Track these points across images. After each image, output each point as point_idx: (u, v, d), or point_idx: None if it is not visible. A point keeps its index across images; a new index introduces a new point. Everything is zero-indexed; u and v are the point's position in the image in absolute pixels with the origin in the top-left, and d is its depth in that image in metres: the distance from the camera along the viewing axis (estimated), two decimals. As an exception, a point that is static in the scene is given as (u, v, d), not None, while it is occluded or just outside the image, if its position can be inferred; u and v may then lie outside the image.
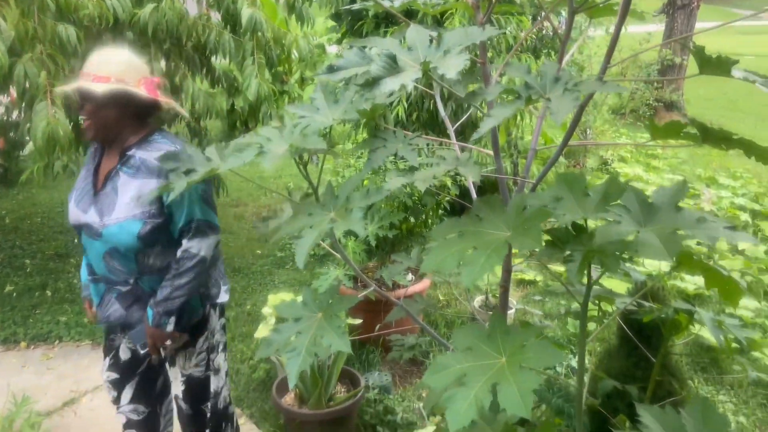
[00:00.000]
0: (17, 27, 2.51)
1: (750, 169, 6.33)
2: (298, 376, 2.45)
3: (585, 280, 1.42)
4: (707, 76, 1.24)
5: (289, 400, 2.45)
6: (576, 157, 6.90)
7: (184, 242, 1.76)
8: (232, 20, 3.15)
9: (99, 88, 1.65)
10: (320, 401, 2.32)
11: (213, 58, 3.36)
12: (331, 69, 1.47)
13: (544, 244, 1.45)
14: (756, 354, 2.74)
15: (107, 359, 1.96)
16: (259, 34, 3.13)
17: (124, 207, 1.71)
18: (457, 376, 1.28)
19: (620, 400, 2.00)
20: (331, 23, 4.60)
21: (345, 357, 2.46)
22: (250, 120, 4.72)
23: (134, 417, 1.99)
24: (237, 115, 4.87)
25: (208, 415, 2.00)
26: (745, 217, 4.66)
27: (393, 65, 1.42)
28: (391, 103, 4.14)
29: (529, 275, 3.80)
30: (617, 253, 1.36)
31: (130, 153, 1.73)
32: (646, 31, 8.60)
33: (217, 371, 2.00)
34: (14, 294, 3.84)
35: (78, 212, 1.77)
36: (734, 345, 2.79)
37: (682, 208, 1.28)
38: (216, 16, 3.28)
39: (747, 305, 3.26)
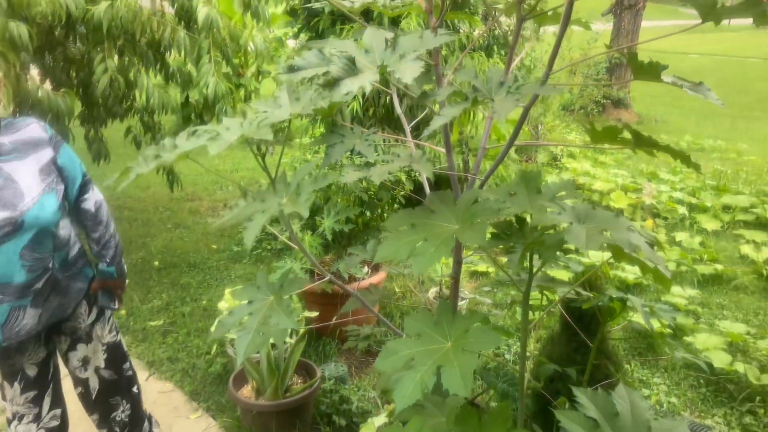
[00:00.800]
0: None
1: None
2: (255, 369, 2.50)
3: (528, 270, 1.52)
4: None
5: (245, 392, 2.49)
6: (528, 152, 7.11)
7: (88, 195, 1.90)
8: (186, 16, 3.14)
9: None
10: (277, 392, 2.37)
11: (167, 54, 3.34)
12: (292, 69, 1.54)
13: (490, 236, 1.56)
14: (688, 339, 2.94)
15: (16, 384, 1.88)
16: (215, 32, 3.13)
17: (32, 187, 1.68)
18: (406, 360, 1.37)
19: (561, 384, 2.12)
20: (287, 18, 4.60)
21: (301, 349, 2.51)
22: (205, 113, 4.70)
23: (55, 423, 1.97)
24: (192, 108, 4.83)
25: (130, 373, 2.11)
26: (682, 210, 4.92)
27: (351, 67, 1.49)
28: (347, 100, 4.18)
29: (482, 267, 3.93)
30: (555, 245, 1.48)
31: None
32: (594, 30, 8.90)
33: (119, 330, 2.10)
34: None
35: None
36: (667, 330, 2.98)
37: (620, 218, 1.40)
38: (171, 11, 3.26)
39: (681, 293, 3.47)
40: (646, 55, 1.44)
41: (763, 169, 6.39)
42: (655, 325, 2.73)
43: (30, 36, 2.60)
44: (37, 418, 1.92)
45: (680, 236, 4.48)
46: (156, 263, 4.20)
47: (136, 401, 2.14)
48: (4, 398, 1.92)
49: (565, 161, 6.67)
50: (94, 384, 2.03)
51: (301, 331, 2.61)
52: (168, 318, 3.42)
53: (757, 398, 2.58)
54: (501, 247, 1.57)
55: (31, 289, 1.72)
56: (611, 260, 3.90)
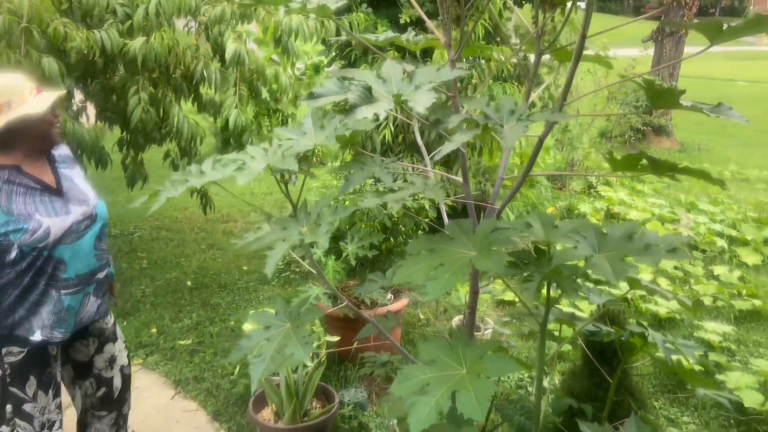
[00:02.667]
0: (1, 58, 2.61)
1: (732, 195, 6.46)
2: (275, 391, 2.53)
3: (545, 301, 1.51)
4: (698, 100, 1.35)
5: (265, 415, 2.51)
6: (562, 180, 7.03)
7: None
8: (220, 51, 3.28)
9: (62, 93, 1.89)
10: (295, 416, 2.39)
11: (201, 86, 3.49)
12: (312, 96, 1.61)
13: (507, 265, 1.57)
14: (720, 377, 2.83)
15: (50, 392, 1.93)
16: (242, 67, 3.26)
17: (88, 189, 1.96)
18: (421, 385, 1.38)
19: (581, 419, 2.07)
20: (322, 47, 4.73)
21: (321, 373, 2.53)
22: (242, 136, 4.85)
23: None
24: (229, 134, 4.99)
25: None
26: (721, 242, 4.78)
27: (368, 95, 1.55)
28: (379, 126, 4.26)
29: (509, 296, 3.89)
30: (573, 276, 1.47)
31: (52, 152, 1.94)
32: (632, 57, 8.81)
33: None
34: None
35: (62, 219, 1.82)
36: (697, 367, 2.88)
37: (633, 238, 1.40)
38: (207, 45, 3.41)
39: (716, 329, 3.35)
40: (690, 83, 1.44)
41: (810, 202, 6.15)
42: (684, 362, 2.65)
43: (60, 71, 2.73)
44: (61, 424, 2.00)
45: (718, 270, 4.34)
46: (189, 283, 4.30)
47: None
48: (21, 415, 1.90)
49: (601, 189, 6.57)
50: (118, 383, 2.14)
51: (321, 355, 2.63)
52: (196, 337, 3.49)
53: (793, 442, 2.47)
54: (517, 276, 1.57)
55: (95, 277, 1.93)
56: (645, 294, 3.81)
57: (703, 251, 4.75)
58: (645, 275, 4.16)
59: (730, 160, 8.51)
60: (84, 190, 1.94)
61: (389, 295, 3.11)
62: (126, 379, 2.18)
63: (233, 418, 2.73)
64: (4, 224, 1.72)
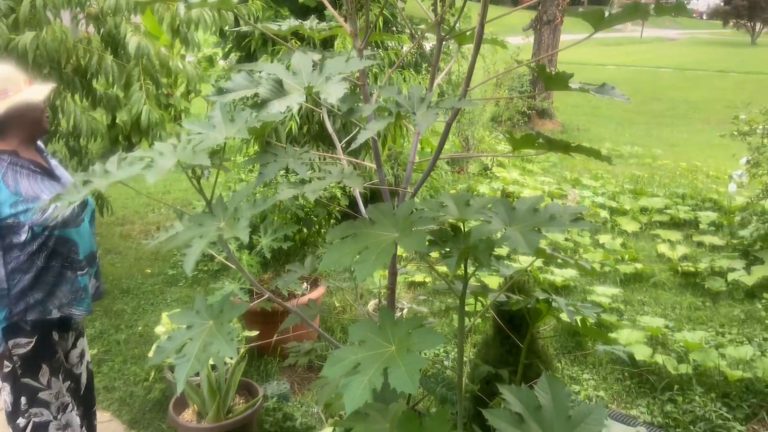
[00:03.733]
0: None
1: (610, 170, 7.05)
2: (196, 392, 2.48)
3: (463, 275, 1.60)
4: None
5: (187, 416, 2.45)
6: (459, 164, 7.33)
7: None
8: (113, 43, 3.09)
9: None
10: (219, 414, 2.36)
11: (94, 81, 3.28)
12: (221, 91, 1.59)
13: (427, 243, 1.65)
14: (612, 335, 3.12)
15: (61, 376, 2.01)
16: (145, 60, 3.11)
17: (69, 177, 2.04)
18: (353, 366, 1.43)
19: (497, 385, 2.22)
20: (216, 38, 4.60)
21: (242, 369, 2.51)
22: (133, 135, 4.61)
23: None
24: (119, 130, 4.72)
25: None
26: (604, 213, 5.22)
27: (279, 89, 1.56)
28: (285, 118, 4.22)
29: (419, 277, 4.03)
30: (489, 249, 1.58)
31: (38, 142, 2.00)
32: (516, 45, 9.30)
33: None
34: None
35: None
36: (593, 326, 3.16)
37: (538, 210, 1.53)
38: (98, 37, 3.21)
39: (605, 292, 3.68)
40: (567, 68, 1.57)
41: (675, 173, 6.85)
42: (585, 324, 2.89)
43: None
44: (74, 406, 2.07)
45: (603, 239, 4.75)
46: (86, 291, 4.06)
47: None
48: (38, 404, 1.97)
49: (496, 170, 6.92)
50: (85, 379, 2.18)
51: (242, 351, 2.60)
52: (102, 346, 3.32)
53: (676, 387, 2.78)
54: (437, 254, 1.66)
55: (96, 259, 2.07)
56: (541, 265, 4.09)
57: (589, 222, 5.16)
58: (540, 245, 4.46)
59: (605, 138, 9.26)
60: (69, 177, 2.02)
61: (305, 285, 3.13)
62: (90, 376, 2.22)
63: (152, 424, 2.64)
64: (14, 204, 1.78)
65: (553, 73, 1.46)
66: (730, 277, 3.88)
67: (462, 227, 1.60)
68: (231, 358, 2.61)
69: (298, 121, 3.97)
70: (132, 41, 2.91)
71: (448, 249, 1.56)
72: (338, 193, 3.11)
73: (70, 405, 2.05)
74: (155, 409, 2.73)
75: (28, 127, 1.88)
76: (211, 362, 2.59)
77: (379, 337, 1.49)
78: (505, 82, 9.56)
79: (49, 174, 1.92)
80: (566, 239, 4.71)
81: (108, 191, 4.97)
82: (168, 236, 1.57)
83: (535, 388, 1.60)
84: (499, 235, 1.46)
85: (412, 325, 1.48)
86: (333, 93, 1.42)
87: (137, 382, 2.95)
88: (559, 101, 11.20)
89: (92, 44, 2.98)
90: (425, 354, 3.16)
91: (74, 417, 2.05)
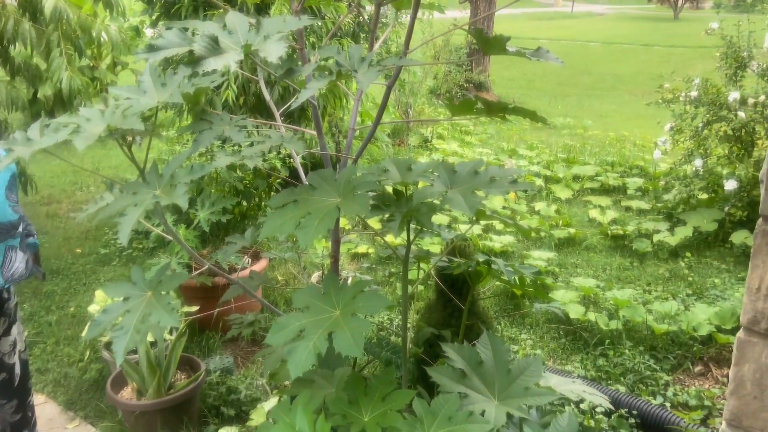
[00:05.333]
0: None
1: (544, 140, 7.25)
2: (134, 369, 2.42)
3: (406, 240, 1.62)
4: (510, 59, 1.51)
5: (126, 394, 2.39)
6: (400, 136, 7.35)
7: None
8: (31, 7, 2.88)
9: None
10: (159, 391, 2.31)
11: (11, 48, 3.05)
12: (152, 48, 1.52)
13: (370, 208, 1.65)
14: (549, 296, 3.25)
15: None
16: (65, 23, 2.91)
17: None
18: (297, 331, 1.42)
19: (440, 347, 2.27)
20: (143, 5, 4.37)
21: (183, 344, 2.46)
22: (57, 109, 4.36)
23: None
24: (41, 105, 4.45)
25: None
26: (539, 182, 5.38)
27: (215, 46, 1.50)
28: (219, 87, 4.09)
29: (362, 248, 4.04)
30: (431, 212, 1.60)
31: None
32: (453, 17, 9.35)
33: None
34: None
35: None
36: (532, 284, 3.28)
37: (479, 173, 1.55)
38: (13, 1, 2.98)
39: (541, 256, 3.82)
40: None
41: (605, 142, 7.12)
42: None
43: None
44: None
45: (539, 206, 4.90)
46: (12, 273, 3.84)
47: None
48: None
49: (435, 143, 6.99)
50: (18, 369, 2.04)
51: (182, 326, 2.55)
52: (33, 328, 3.17)
53: (607, 342, 2.93)
54: (379, 225, 1.66)
55: (17, 230, 1.88)
56: (480, 233, 4.18)
57: (525, 191, 5.31)
58: (480, 214, 4.56)
59: (540, 110, 9.35)
60: None
61: (247, 259, 3.08)
62: (25, 365, 2.08)
63: (89, 404, 2.55)
64: None
65: (493, 35, 1.47)
66: (656, 238, 4.10)
67: (404, 191, 1.61)
68: (171, 334, 2.55)
69: (235, 90, 3.85)
70: (48, 2, 2.72)
71: (390, 213, 1.57)
72: (278, 164, 3.06)
73: None
74: (92, 390, 2.64)
75: None
76: (150, 339, 2.52)
77: (324, 302, 1.49)
78: (443, 55, 9.62)
79: None
80: (504, 207, 4.83)
81: (31, 168, 4.70)
82: (99, 207, 1.50)
83: (476, 344, 1.65)
84: (441, 199, 1.49)
85: (357, 289, 1.49)
86: (272, 52, 1.37)
87: (71, 363, 2.84)
88: (496, 74, 11.38)
89: (7, 8, 2.77)
90: (370, 320, 3.19)
91: None
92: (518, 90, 11.46)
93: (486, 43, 1.49)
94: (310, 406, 1.61)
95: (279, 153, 3.06)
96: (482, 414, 1.46)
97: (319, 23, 4.22)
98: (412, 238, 1.66)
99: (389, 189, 1.62)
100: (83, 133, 1.39)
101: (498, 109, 1.63)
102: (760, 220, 1.04)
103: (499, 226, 4.43)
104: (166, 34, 1.48)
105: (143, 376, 2.33)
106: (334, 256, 1.92)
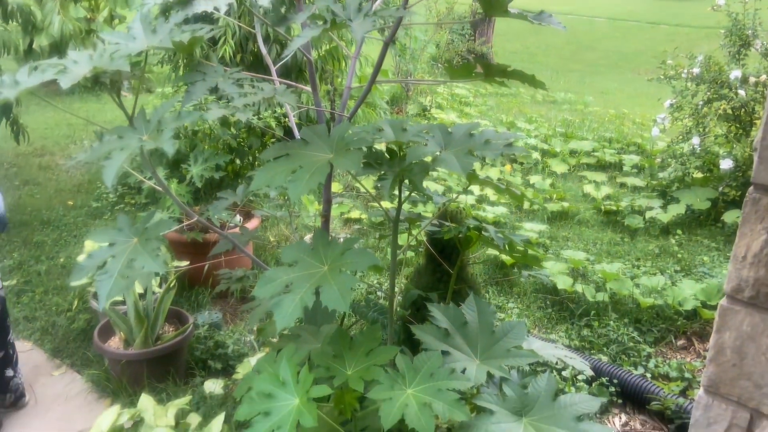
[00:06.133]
0: None
1: (543, 114, 7.21)
2: (122, 319, 2.42)
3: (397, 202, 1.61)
4: (514, 31, 1.48)
5: (113, 343, 2.40)
6: (398, 104, 7.29)
7: None
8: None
9: None
10: (147, 341, 2.32)
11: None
12: (148, -9, 1.48)
13: (362, 165, 1.64)
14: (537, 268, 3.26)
15: None
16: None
17: None
18: (284, 285, 1.43)
19: (427, 309, 2.29)
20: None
21: (171, 297, 2.46)
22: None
23: None
24: (36, 55, 4.37)
25: None
26: (536, 155, 5.36)
27: (206, -13, 1.46)
28: (216, 42, 4.02)
29: (355, 213, 4.03)
30: (423, 172, 1.59)
31: None
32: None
33: None
34: None
35: None
36: (521, 250, 3.30)
37: (474, 135, 1.54)
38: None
39: (533, 228, 3.82)
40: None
41: (604, 119, 7.08)
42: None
43: None
44: None
45: (534, 179, 4.89)
46: (2, 222, 3.83)
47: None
48: None
49: (434, 112, 6.93)
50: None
51: (171, 279, 2.55)
52: (22, 277, 3.17)
53: (593, 313, 2.96)
54: (372, 188, 1.65)
55: None
56: (474, 203, 4.18)
57: (521, 163, 5.30)
58: (474, 185, 4.57)
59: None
60: None
61: (238, 217, 3.07)
62: (2, 302, 2.12)
63: (76, 353, 2.57)
64: None
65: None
66: (648, 215, 4.10)
67: (398, 151, 1.59)
68: (159, 287, 2.55)
69: (233, 46, 3.79)
70: (42, -54, 2.65)
71: (383, 171, 1.56)
72: (273, 123, 3.03)
73: None
74: (79, 339, 2.66)
75: None
76: (139, 290, 2.53)
77: (312, 257, 1.49)
78: (446, 25, 9.47)
79: None
80: (499, 179, 4.82)
81: (24, 119, 4.65)
82: (88, 154, 1.49)
83: (462, 306, 1.66)
84: (434, 159, 1.48)
85: (345, 246, 1.49)
86: (264, -5, 1.35)
87: (59, 312, 2.85)
88: (498, 46, 11.25)
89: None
90: (358, 286, 3.21)
91: None
92: (520, 63, 11.33)
93: (488, 4, 1.46)
94: (295, 358, 1.62)
95: (274, 111, 3.02)
96: (463, 372, 1.48)
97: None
98: (403, 199, 1.66)
99: (383, 148, 1.61)
100: (69, 73, 1.38)
101: (497, 72, 1.61)
102: (751, 188, 1.03)
103: (493, 197, 4.43)
104: (158, -24, 1.45)
105: (131, 326, 2.34)
106: (325, 216, 1.92)
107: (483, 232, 2.13)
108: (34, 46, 4.20)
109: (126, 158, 1.33)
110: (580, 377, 2.47)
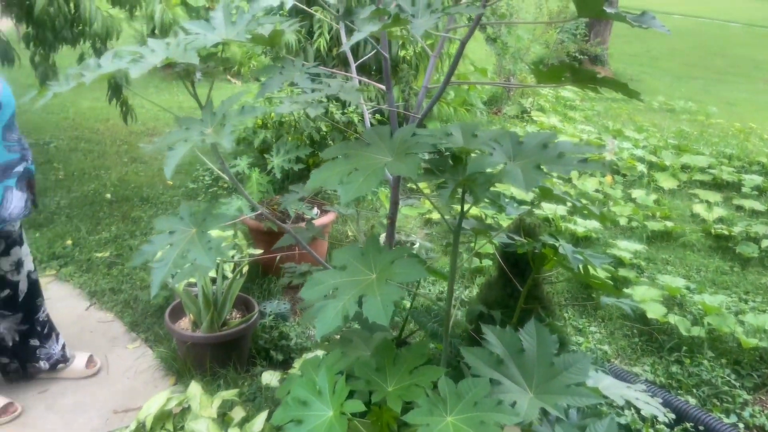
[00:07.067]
0: None
1: (657, 123, 6.69)
2: (193, 301, 2.47)
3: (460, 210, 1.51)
4: (633, 33, 1.33)
5: (183, 324, 2.48)
6: (498, 104, 7.06)
7: None
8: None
9: None
10: (213, 326, 2.37)
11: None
12: (227, -17, 1.47)
13: (422, 171, 1.55)
14: (627, 290, 3.00)
15: None
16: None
17: None
18: (330, 290, 1.38)
19: (480, 324, 2.16)
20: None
21: (240, 284, 2.50)
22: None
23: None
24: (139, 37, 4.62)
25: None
26: (641, 167, 4.97)
27: (277, -19, 1.43)
28: (311, 35, 4.07)
29: (436, 214, 3.93)
30: (486, 183, 1.47)
31: None
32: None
33: None
34: None
35: None
36: (596, 276, 3.05)
37: (548, 147, 1.40)
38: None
39: (628, 247, 3.53)
40: (633, 6, 1.40)
41: (728, 132, 6.45)
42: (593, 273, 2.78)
43: None
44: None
45: (636, 193, 4.53)
46: (108, 196, 4.11)
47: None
48: None
49: (534, 114, 6.64)
50: (24, 287, 2.17)
51: (242, 266, 2.59)
52: (115, 250, 3.37)
53: (685, 349, 2.67)
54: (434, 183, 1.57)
55: (13, 170, 1.93)
56: (565, 214, 3.94)
57: (624, 175, 4.93)
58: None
59: (659, 91, 8.76)
60: None
61: (315, 210, 3.08)
62: (33, 285, 2.20)
63: (151, 329, 2.69)
64: None
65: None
66: (765, 243, 3.67)
67: (464, 159, 1.49)
68: (233, 272, 2.60)
69: (328, 41, 3.80)
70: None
71: (443, 179, 1.46)
72: (355, 119, 2.99)
73: None
74: (156, 315, 2.78)
75: None
76: (212, 275, 2.59)
77: (361, 263, 1.42)
78: (557, 24, 9.04)
79: None
80: (596, 190, 4.52)
81: (136, 101, 4.95)
82: (155, 143, 1.51)
83: (520, 331, 1.52)
84: (499, 169, 1.36)
85: (397, 254, 1.41)
86: (332, -12, 1.30)
87: (143, 287, 3.00)
88: (615, 48, 10.59)
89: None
90: (429, 291, 3.12)
91: None
92: (639, 67, 10.62)
93: (582, 3, 1.32)
94: (338, 365, 1.57)
95: (357, 107, 2.99)
96: (513, 405, 1.35)
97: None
98: (466, 208, 1.55)
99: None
100: (140, 63, 1.40)
101: (585, 78, 1.46)
102: None
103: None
104: (230, -30, 1.44)
105: (200, 309, 2.40)
106: (391, 218, 1.85)
107: (558, 251, 1.96)
108: (146, 34, 4.45)
109: (187, 151, 1.34)
110: (660, 418, 2.23)
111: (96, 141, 5.25)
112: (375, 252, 1.44)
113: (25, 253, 2.15)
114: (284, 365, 2.47)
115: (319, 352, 2.46)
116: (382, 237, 3.40)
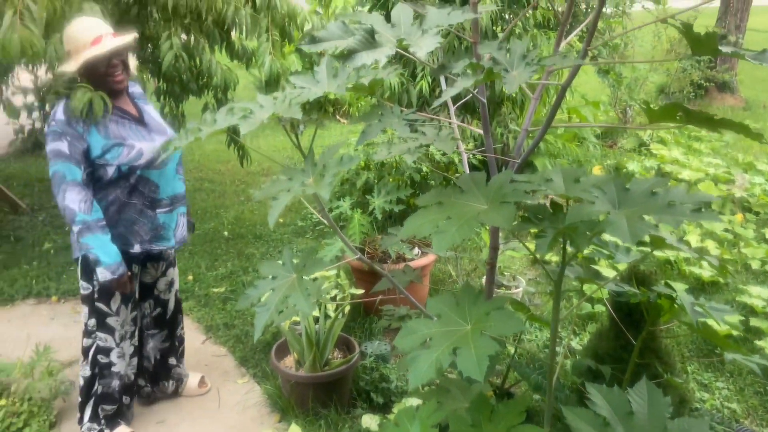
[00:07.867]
0: (47, 8, 2.60)
1: (796, 155, 6.04)
2: (297, 341, 2.54)
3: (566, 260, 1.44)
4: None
5: (288, 362, 2.55)
6: (613, 137, 6.74)
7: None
8: (249, -4, 3.19)
9: (127, 40, 2.03)
10: (315, 365, 2.42)
11: (232, 33, 3.44)
12: (313, 40, 1.55)
13: (519, 220, 1.50)
14: (760, 343, 2.69)
15: (130, 305, 2.22)
16: (274, 11, 3.18)
17: (161, 121, 2.24)
18: (424, 340, 1.36)
19: (585, 383, 2.03)
20: (359, -4, 4.59)
21: (342, 324, 2.54)
22: (269, 91, 4.81)
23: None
24: (265, 81, 4.94)
25: None
26: (777, 205, 4.49)
27: (370, 40, 1.48)
28: (414, 77, 4.15)
29: (547, 256, 3.78)
30: (588, 233, 1.40)
31: (130, 90, 2.20)
32: (692, 7, 8.21)
33: None
34: (51, 251, 4.07)
35: (149, 145, 2.11)
36: (733, 332, 2.75)
37: (656, 194, 1.31)
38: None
39: (761, 294, 3.17)
40: (758, 36, 1.31)
41: None
42: (724, 325, 2.53)
43: (102, 14, 2.74)
44: (134, 335, 2.30)
45: (775, 234, 4.09)
46: (225, 233, 4.39)
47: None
48: (105, 328, 2.20)
49: (654, 147, 6.26)
50: (172, 305, 2.42)
51: (343, 306, 2.64)
52: (230, 286, 3.57)
53: (835, 415, 2.33)
54: (532, 231, 1.51)
55: (183, 200, 2.26)
56: (689, 256, 3.64)
57: (757, 213, 4.48)
58: (692, 237, 3.97)
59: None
60: (161, 123, 2.22)
61: (416, 251, 3.08)
62: (178, 302, 2.46)
63: (259, 365, 2.79)
64: (104, 146, 2.02)
65: (702, 34, 1.22)
66: None
67: (564, 206, 1.43)
68: (333, 312, 2.65)
69: (430, 82, 3.86)
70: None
71: (541, 228, 1.40)
72: (456, 160, 2.98)
73: (130, 334, 2.25)
74: (264, 351, 2.88)
75: (101, 82, 2.01)
76: (315, 314, 2.66)
77: (456, 314, 1.40)
78: (679, 49, 8.53)
79: (137, 120, 2.12)
80: (726, 230, 4.13)
81: (252, 143, 5.25)
82: (261, 192, 1.59)
83: (629, 392, 1.41)
84: (602, 218, 1.29)
85: (493, 306, 1.37)
86: (423, 46, 1.31)
87: (253, 323, 3.13)
88: (745, 74, 9.78)
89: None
90: (535, 338, 2.98)
91: (133, 345, 2.28)
92: (772, 94, 9.71)
93: (695, 41, 1.24)
94: (432, 418, 1.53)
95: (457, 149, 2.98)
96: (620, 476, 1.24)
97: (528, 13, 4.01)
98: (568, 256, 1.48)
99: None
100: (250, 119, 1.49)
101: (700, 120, 1.36)
102: None
103: (714, 250, 3.80)
104: (329, 26, 1.51)
105: (303, 348, 2.47)
106: (491, 263, 1.80)
107: (677, 301, 1.81)
108: (257, 78, 4.73)
109: (290, 200, 1.40)
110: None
111: (218, 182, 5.65)
112: (471, 301, 1.40)
113: (176, 273, 2.43)
114: (384, 408, 2.46)
115: (417, 400, 2.42)
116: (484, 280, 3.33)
